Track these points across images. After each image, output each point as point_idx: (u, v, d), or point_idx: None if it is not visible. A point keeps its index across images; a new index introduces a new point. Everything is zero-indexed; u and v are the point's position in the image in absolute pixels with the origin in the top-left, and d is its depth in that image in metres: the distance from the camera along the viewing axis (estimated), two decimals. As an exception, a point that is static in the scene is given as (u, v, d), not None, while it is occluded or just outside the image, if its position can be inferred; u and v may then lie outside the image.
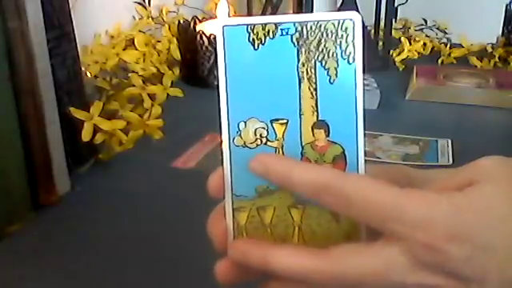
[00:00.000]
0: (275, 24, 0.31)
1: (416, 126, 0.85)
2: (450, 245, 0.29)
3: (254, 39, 0.31)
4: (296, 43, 0.31)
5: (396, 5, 1.13)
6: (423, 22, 1.31)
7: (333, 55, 0.31)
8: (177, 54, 1.03)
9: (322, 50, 0.31)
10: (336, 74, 0.31)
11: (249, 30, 0.31)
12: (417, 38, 1.21)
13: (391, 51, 1.14)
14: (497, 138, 0.84)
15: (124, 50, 1.00)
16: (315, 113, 0.31)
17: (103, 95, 0.77)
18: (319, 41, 0.31)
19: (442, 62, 1.15)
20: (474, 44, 1.18)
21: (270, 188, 0.32)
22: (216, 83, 0.32)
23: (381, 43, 1.13)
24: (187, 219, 0.52)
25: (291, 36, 0.31)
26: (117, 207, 0.65)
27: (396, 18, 1.27)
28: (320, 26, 0.31)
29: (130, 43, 1.02)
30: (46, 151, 0.63)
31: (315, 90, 0.31)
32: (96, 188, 0.68)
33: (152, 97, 0.78)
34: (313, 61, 0.31)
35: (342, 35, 0.31)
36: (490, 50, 1.17)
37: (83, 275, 0.54)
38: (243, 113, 0.32)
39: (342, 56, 0.31)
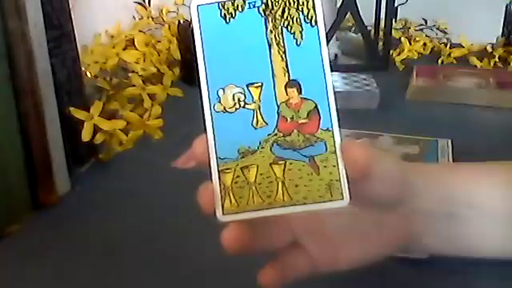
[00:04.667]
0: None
1: (416, 126, 0.85)
2: None
3: (225, 14, 0.35)
4: (263, 13, 0.35)
5: (396, 5, 1.13)
6: (423, 22, 1.31)
7: (297, 20, 0.34)
8: (177, 54, 1.03)
9: (287, 17, 0.34)
10: (301, 37, 0.34)
11: (220, 6, 0.35)
12: (417, 38, 1.21)
13: (391, 51, 1.14)
14: (497, 138, 0.84)
15: (124, 50, 0.99)
16: (286, 73, 0.34)
17: (103, 95, 0.77)
18: (283, 9, 0.34)
19: (442, 62, 1.15)
20: (474, 44, 1.18)
21: (252, 148, 0.34)
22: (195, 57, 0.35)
23: (381, 43, 1.13)
24: (187, 219, 0.52)
25: (258, 8, 0.35)
26: (117, 207, 0.65)
27: (396, 18, 1.27)
28: None
29: (130, 43, 1.02)
30: (46, 151, 0.63)
31: (284, 53, 0.34)
32: (96, 188, 0.68)
33: (152, 97, 0.78)
34: (279, 27, 0.34)
35: (303, 2, 0.34)
36: (490, 50, 1.17)
37: (83, 275, 0.54)
38: (221, 81, 0.35)
39: (305, 20, 0.34)
